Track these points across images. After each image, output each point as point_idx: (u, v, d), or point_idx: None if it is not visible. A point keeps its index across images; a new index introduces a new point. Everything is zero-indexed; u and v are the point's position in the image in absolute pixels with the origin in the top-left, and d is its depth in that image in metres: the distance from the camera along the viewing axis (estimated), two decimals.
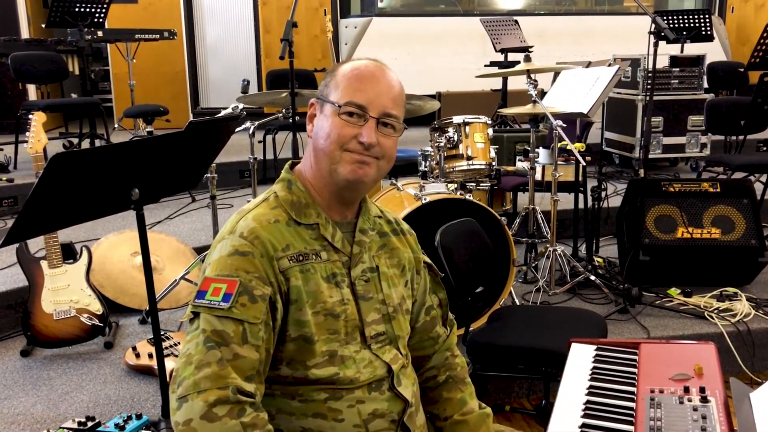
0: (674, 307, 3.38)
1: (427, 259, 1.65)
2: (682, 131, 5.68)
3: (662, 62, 5.59)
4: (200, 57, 7.99)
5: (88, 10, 5.79)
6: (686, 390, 1.35)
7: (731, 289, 3.49)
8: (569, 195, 3.97)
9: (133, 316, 3.30)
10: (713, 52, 7.04)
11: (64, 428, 2.28)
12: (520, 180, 4.16)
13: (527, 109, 3.52)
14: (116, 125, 6.85)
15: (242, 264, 1.34)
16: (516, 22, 6.57)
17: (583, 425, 1.32)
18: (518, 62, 3.98)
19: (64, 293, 2.89)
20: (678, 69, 5.64)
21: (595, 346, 1.64)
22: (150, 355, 2.76)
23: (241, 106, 3.49)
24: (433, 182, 3.24)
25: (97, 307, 2.94)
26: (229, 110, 3.53)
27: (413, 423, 1.47)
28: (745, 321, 3.20)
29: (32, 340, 2.88)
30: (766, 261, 3.51)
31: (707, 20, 6.29)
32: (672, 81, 5.64)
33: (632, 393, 1.40)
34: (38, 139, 2.80)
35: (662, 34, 3.33)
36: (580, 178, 3.83)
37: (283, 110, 3.50)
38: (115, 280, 3.39)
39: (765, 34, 5.52)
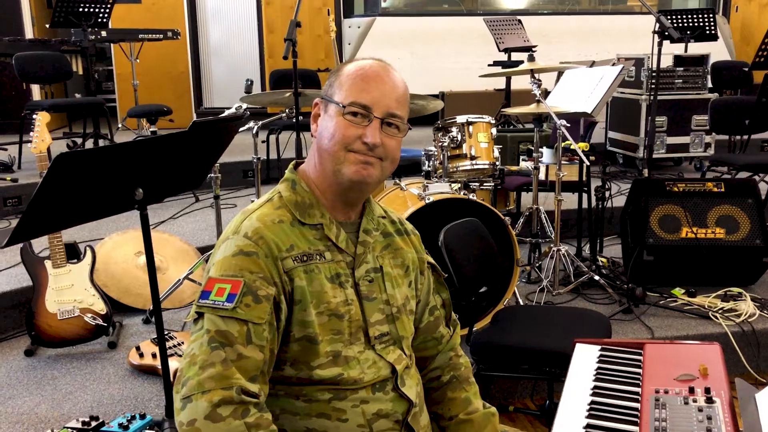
0: (678, 307, 3.37)
1: (431, 260, 1.65)
2: (686, 131, 5.67)
3: (666, 62, 5.58)
4: (204, 57, 8.00)
5: (91, 10, 5.80)
6: (691, 390, 1.34)
7: (736, 289, 3.48)
8: (573, 195, 3.97)
9: (137, 315, 3.30)
10: (717, 51, 7.02)
11: (68, 428, 2.29)
12: (523, 180, 4.15)
13: (531, 108, 3.51)
14: (120, 125, 6.86)
15: (246, 264, 1.34)
16: (519, 21, 6.56)
17: (588, 426, 1.32)
18: (522, 62, 3.97)
19: (68, 293, 2.89)
20: (682, 68, 5.63)
21: (599, 347, 1.63)
22: (153, 355, 2.76)
23: (244, 105, 3.49)
24: (436, 182, 3.23)
25: (100, 306, 2.94)
26: (233, 110, 3.53)
27: (417, 423, 1.47)
28: (750, 321, 3.19)
29: (36, 340, 2.88)
30: None
31: (711, 19, 6.28)
32: (676, 80, 5.63)
33: (637, 393, 1.40)
34: (42, 138, 2.80)
35: (666, 33, 3.32)
36: (584, 178, 3.83)
37: (287, 110, 3.50)
38: (118, 279, 3.40)
39: None
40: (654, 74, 3.57)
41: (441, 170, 3.32)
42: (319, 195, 1.46)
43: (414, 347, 1.58)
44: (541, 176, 3.82)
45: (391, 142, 1.43)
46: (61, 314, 2.87)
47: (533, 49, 5.55)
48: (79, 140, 5.82)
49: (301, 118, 3.31)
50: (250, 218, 1.41)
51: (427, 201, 2.95)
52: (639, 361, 1.53)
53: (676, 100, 5.61)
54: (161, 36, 6.58)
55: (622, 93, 5.84)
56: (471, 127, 3.33)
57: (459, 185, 3.27)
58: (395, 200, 3.15)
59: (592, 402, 1.39)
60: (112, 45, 7.46)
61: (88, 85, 6.42)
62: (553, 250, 3.57)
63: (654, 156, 5.38)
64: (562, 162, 3.64)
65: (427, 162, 3.44)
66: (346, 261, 1.44)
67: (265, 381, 1.33)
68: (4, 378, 2.78)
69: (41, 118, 2.81)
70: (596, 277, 3.56)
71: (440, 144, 3.31)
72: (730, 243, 3.49)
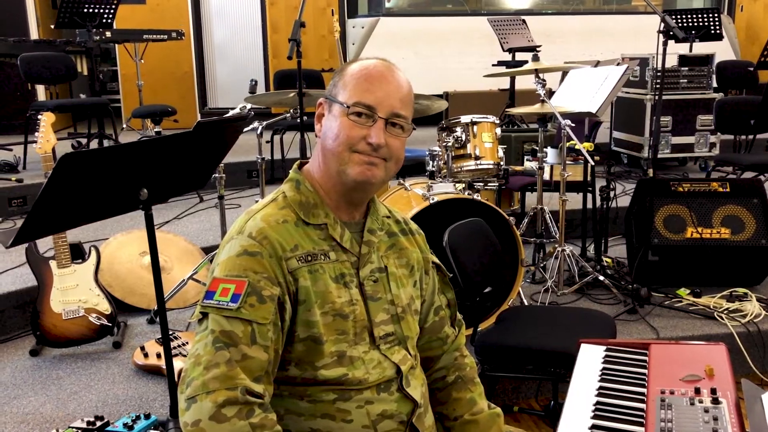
0: (684, 307, 3.36)
1: (436, 260, 1.65)
2: (691, 131, 5.65)
3: (671, 61, 5.56)
4: (208, 57, 8.01)
5: (96, 10, 5.82)
6: (697, 391, 1.34)
7: (741, 290, 3.47)
8: (578, 195, 3.96)
9: (142, 315, 3.31)
10: (722, 51, 7.00)
11: (73, 428, 2.29)
12: (528, 180, 4.14)
13: (535, 108, 3.51)
14: (124, 125, 6.87)
15: (251, 264, 1.34)
16: (523, 21, 6.55)
17: (593, 426, 1.31)
18: (526, 62, 3.97)
19: (73, 293, 2.89)
20: (687, 68, 5.61)
21: (604, 347, 1.63)
22: (158, 355, 2.76)
23: (249, 106, 3.50)
24: (440, 182, 3.23)
25: (105, 306, 2.95)
26: (237, 110, 3.53)
27: (422, 424, 1.46)
28: (756, 321, 3.18)
29: (41, 340, 2.89)
30: None
31: (716, 19, 6.26)
32: (681, 80, 5.61)
33: (642, 394, 1.39)
34: (47, 139, 2.81)
35: (671, 33, 3.31)
36: (589, 178, 3.82)
37: (291, 110, 3.51)
38: (123, 279, 3.40)
39: None
40: (659, 74, 3.56)
41: (445, 170, 3.31)
42: (324, 195, 1.46)
43: (419, 347, 1.58)
44: (546, 176, 3.81)
45: (396, 142, 1.42)
46: (66, 314, 2.87)
47: (537, 49, 5.54)
48: (83, 140, 5.83)
49: (305, 118, 3.31)
50: (254, 218, 1.40)
51: (431, 201, 2.95)
52: (644, 361, 1.53)
53: (681, 100, 5.60)
54: (165, 36, 6.59)
55: (626, 93, 5.83)
56: (475, 127, 3.32)
57: (463, 185, 3.26)
58: (399, 200, 3.15)
59: (598, 402, 1.39)
60: (116, 45, 7.47)
61: (92, 86, 6.44)
62: (558, 251, 3.56)
63: (659, 156, 5.38)
64: (567, 162, 3.63)
65: (431, 162, 3.43)
66: (350, 261, 1.44)
67: (270, 381, 1.33)
68: (10, 378, 2.78)
69: (46, 119, 2.82)
70: (601, 278, 3.55)
71: (444, 144, 3.31)
72: (736, 243, 3.48)
